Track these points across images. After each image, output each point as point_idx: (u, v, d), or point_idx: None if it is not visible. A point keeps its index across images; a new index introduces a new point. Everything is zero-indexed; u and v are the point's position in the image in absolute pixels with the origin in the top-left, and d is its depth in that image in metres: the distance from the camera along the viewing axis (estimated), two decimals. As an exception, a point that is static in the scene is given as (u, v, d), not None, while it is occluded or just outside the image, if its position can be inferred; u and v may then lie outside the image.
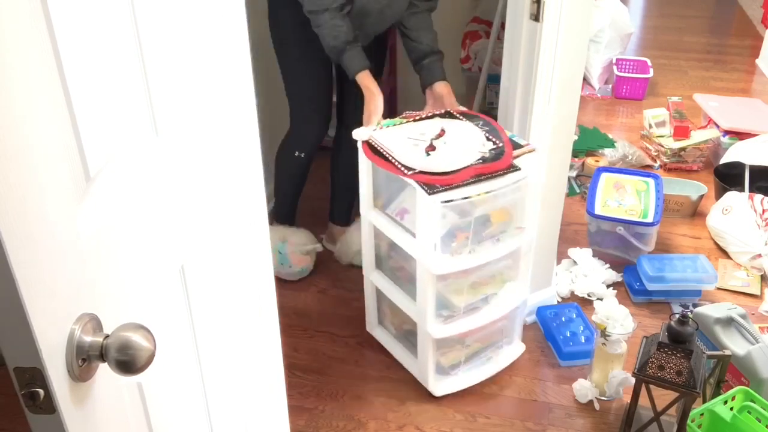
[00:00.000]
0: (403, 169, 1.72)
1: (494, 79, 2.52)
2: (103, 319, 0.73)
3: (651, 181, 2.65)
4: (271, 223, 2.36)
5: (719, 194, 2.77)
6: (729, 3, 5.80)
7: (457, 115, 1.98)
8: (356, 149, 1.99)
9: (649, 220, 2.47)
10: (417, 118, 1.98)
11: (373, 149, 1.84)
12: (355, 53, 2.01)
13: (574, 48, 1.86)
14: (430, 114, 2.00)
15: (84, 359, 0.69)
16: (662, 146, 3.20)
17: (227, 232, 1.18)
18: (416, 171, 1.71)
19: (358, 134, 1.86)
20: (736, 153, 2.98)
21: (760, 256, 2.48)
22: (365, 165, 1.92)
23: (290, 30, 2.18)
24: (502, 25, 1.97)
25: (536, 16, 1.77)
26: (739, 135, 3.15)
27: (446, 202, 1.68)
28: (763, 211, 2.53)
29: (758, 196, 2.58)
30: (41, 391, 0.64)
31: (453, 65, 3.16)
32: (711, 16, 5.59)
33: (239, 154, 1.24)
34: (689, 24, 5.28)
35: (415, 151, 1.78)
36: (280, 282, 1.85)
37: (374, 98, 1.99)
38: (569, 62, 1.87)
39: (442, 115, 1.99)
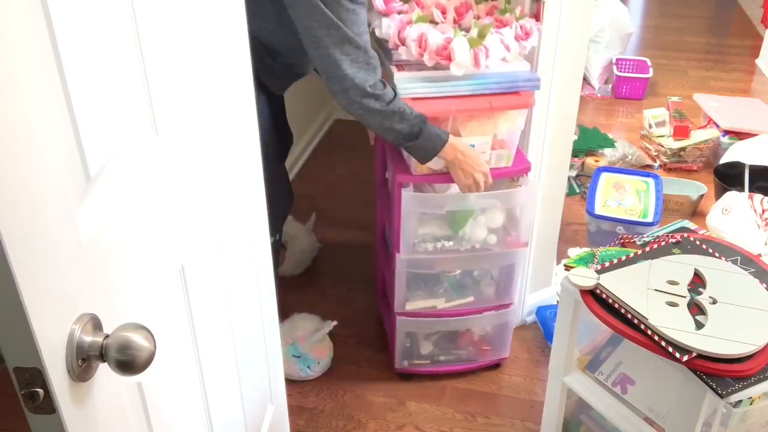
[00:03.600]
0: (674, 352, 1.16)
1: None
2: (103, 319, 0.73)
3: (651, 181, 2.65)
4: None
5: (719, 194, 2.77)
6: (729, 3, 5.80)
7: (701, 244, 1.44)
8: None
9: (649, 220, 2.48)
10: (641, 243, 1.46)
11: (603, 303, 1.28)
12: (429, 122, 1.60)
13: (574, 48, 1.86)
14: (660, 238, 1.46)
15: (84, 359, 0.69)
16: (662, 146, 3.20)
17: (227, 232, 1.18)
18: (693, 355, 1.15)
19: (579, 280, 1.31)
20: (735, 153, 2.98)
21: (760, 255, 2.48)
22: (567, 312, 1.40)
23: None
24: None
25: (536, 16, 1.76)
26: (739, 135, 3.15)
27: (737, 404, 1.16)
28: (763, 211, 2.53)
29: (758, 196, 2.58)
30: (41, 391, 0.64)
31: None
32: (711, 16, 5.59)
33: (239, 154, 1.24)
34: (689, 24, 5.27)
35: (674, 314, 1.23)
36: (282, 285, 1.80)
37: (477, 157, 1.64)
38: (569, 62, 1.87)
39: (678, 243, 1.44)
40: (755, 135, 3.10)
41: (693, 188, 2.86)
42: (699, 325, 1.20)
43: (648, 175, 2.70)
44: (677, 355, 1.15)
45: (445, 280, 1.96)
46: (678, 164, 3.18)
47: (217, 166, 1.11)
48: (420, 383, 2.03)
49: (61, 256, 0.66)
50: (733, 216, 2.58)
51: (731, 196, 2.65)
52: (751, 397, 1.16)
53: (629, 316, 1.23)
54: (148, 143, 0.85)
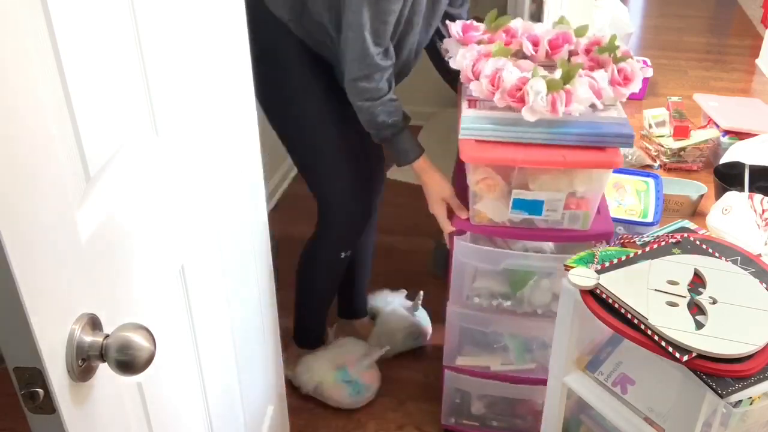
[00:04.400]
0: (674, 352, 1.13)
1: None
2: (103, 319, 0.73)
3: (651, 181, 2.65)
4: (289, 349, 1.97)
5: (719, 194, 2.77)
6: (729, 3, 5.80)
7: (701, 244, 1.38)
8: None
9: (649, 220, 2.47)
10: (641, 243, 1.40)
11: (603, 303, 1.25)
12: (410, 133, 1.58)
13: (574, 48, 1.86)
14: (660, 238, 1.40)
15: (84, 359, 0.69)
16: (662, 146, 3.20)
17: (227, 232, 1.18)
18: (694, 355, 1.13)
19: (579, 280, 1.26)
20: (735, 153, 2.98)
21: (760, 255, 2.48)
22: (567, 312, 1.35)
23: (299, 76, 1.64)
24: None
25: (536, 16, 1.76)
26: (739, 135, 3.15)
27: (737, 404, 1.14)
28: (763, 211, 2.53)
29: (758, 196, 2.58)
30: (41, 391, 0.64)
31: (453, 65, 3.17)
32: (711, 16, 5.59)
33: (239, 154, 1.24)
34: (689, 24, 5.27)
35: (674, 314, 1.20)
36: (280, 282, 1.68)
37: (444, 188, 1.57)
38: (569, 62, 1.87)
39: (678, 243, 1.38)
40: (755, 135, 3.10)
41: (693, 188, 2.86)
42: (699, 325, 1.20)
43: (648, 175, 2.69)
44: (677, 355, 1.14)
45: (507, 339, 1.73)
46: (678, 164, 3.18)
47: (217, 166, 1.11)
48: (420, 383, 2.03)
49: (61, 256, 0.66)
50: (733, 216, 2.58)
51: (731, 196, 2.65)
52: (751, 397, 1.16)
53: (629, 316, 1.23)
54: (148, 143, 0.85)
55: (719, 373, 1.12)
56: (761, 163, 2.82)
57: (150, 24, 0.83)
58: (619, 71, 1.44)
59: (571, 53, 1.53)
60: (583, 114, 1.39)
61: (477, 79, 1.44)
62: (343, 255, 1.85)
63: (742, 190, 2.67)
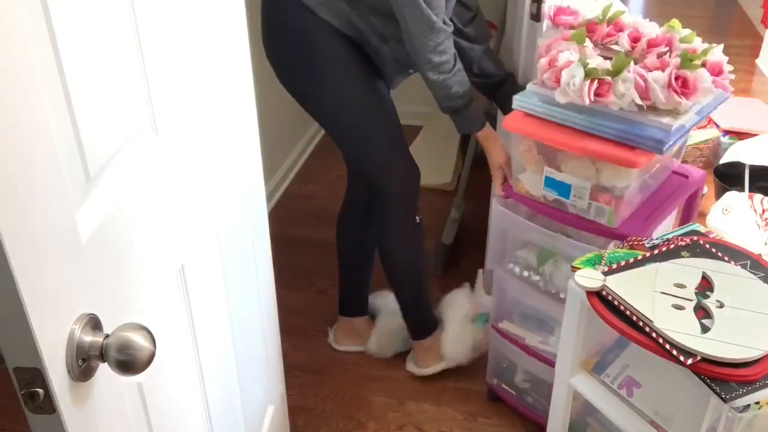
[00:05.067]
0: (679, 355, 1.13)
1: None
2: (103, 319, 0.73)
3: (651, 181, 2.65)
4: (418, 349, 2.04)
5: (719, 194, 2.77)
6: (729, 3, 5.80)
7: (710, 248, 1.39)
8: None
9: (649, 220, 2.47)
10: (650, 246, 1.39)
11: (609, 305, 1.25)
12: (476, 103, 1.66)
13: (574, 48, 1.86)
14: (669, 241, 1.39)
15: (84, 359, 0.69)
16: (662, 146, 3.20)
17: (227, 232, 1.18)
18: (698, 359, 1.13)
19: (585, 281, 1.26)
20: (736, 153, 2.98)
21: (760, 255, 2.48)
22: (574, 314, 1.35)
23: (335, 56, 1.67)
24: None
25: (536, 16, 1.76)
26: (739, 135, 3.15)
27: (744, 408, 1.12)
28: (763, 211, 2.53)
29: (758, 196, 2.57)
30: (41, 391, 0.64)
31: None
32: (711, 16, 5.59)
33: (239, 154, 1.24)
34: (689, 24, 5.23)
35: (680, 318, 1.20)
36: (280, 282, 1.77)
37: (501, 155, 1.68)
38: (569, 62, 1.87)
39: (687, 247, 1.38)
40: (755, 135, 3.10)
41: (693, 188, 2.86)
42: (705, 329, 1.19)
43: (648, 175, 2.69)
44: (681, 358, 1.14)
45: (557, 324, 1.72)
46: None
47: (217, 165, 1.11)
48: (420, 383, 2.03)
49: (61, 256, 0.66)
50: (733, 216, 2.58)
51: (731, 196, 2.65)
52: (759, 402, 1.15)
53: (634, 318, 1.23)
54: (148, 143, 0.85)
55: (724, 378, 1.12)
56: (761, 163, 2.81)
57: (150, 24, 0.83)
58: (677, 77, 1.39)
59: (660, 54, 1.51)
60: (633, 112, 1.40)
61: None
62: (418, 219, 1.87)
63: (742, 190, 2.67)
